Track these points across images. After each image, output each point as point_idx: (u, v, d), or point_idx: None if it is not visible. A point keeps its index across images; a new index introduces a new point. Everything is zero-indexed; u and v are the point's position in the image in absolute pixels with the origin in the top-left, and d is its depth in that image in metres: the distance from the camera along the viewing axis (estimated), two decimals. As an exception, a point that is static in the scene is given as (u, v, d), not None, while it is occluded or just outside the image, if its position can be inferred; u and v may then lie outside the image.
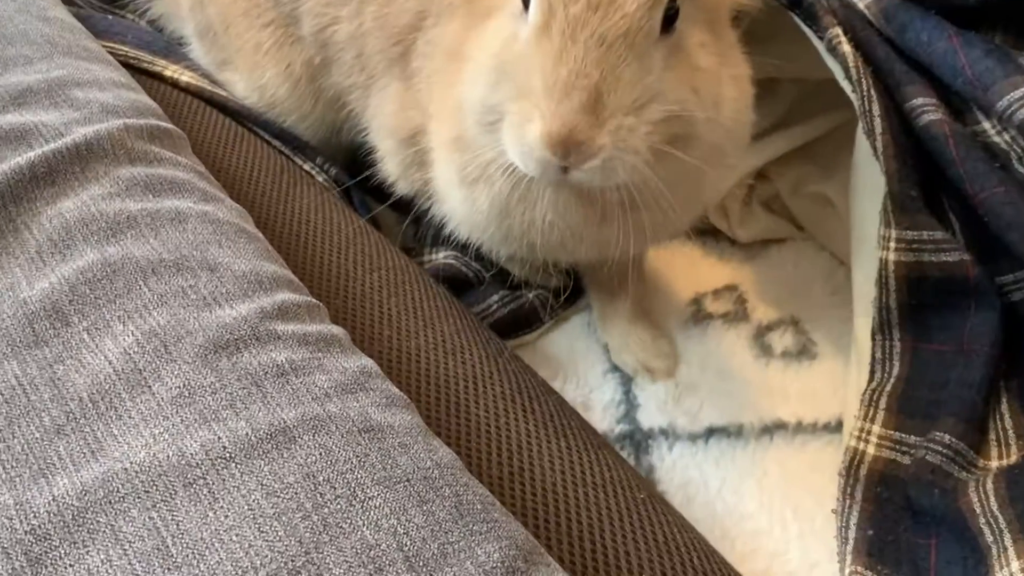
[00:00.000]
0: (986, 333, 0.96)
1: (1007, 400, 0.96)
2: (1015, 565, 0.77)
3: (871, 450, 0.94)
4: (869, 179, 1.02)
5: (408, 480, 0.58)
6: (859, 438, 0.95)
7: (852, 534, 0.88)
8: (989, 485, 0.84)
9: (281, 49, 1.13)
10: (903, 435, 0.94)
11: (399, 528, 0.55)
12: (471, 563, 0.54)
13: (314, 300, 0.75)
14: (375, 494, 0.57)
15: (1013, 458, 0.90)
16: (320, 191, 1.05)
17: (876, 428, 0.96)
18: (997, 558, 0.78)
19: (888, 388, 0.98)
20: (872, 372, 1.00)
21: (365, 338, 0.84)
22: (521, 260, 1.08)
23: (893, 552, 0.86)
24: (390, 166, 1.07)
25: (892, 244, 0.98)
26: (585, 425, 0.84)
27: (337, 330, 0.72)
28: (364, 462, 0.58)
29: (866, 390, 0.98)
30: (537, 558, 0.58)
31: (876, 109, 0.98)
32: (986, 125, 1.02)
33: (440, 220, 1.02)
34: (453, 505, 0.58)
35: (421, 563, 0.53)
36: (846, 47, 1.00)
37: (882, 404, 0.96)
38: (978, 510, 0.83)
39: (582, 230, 0.87)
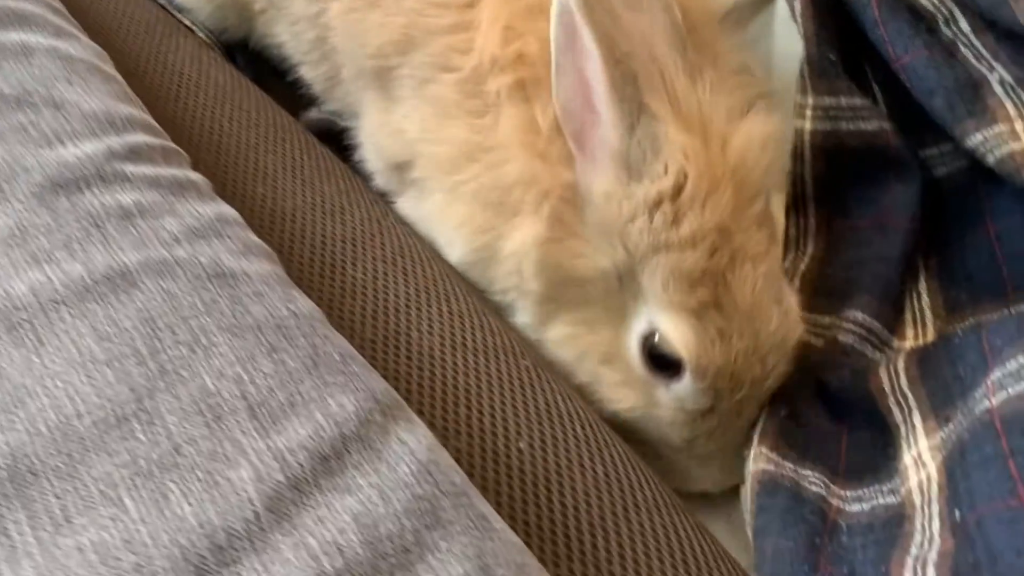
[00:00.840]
0: (906, 206, 0.92)
1: (925, 278, 0.92)
2: (923, 444, 0.73)
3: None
4: (788, 46, 0.96)
5: (259, 328, 0.54)
6: None
7: (763, 417, 0.84)
8: (900, 364, 0.80)
9: None
10: (816, 316, 0.89)
11: (244, 376, 0.51)
12: (321, 413, 0.51)
13: (175, 146, 0.69)
14: (221, 341, 0.53)
15: (930, 337, 0.86)
16: (199, 45, 0.97)
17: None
18: (905, 438, 0.75)
19: (802, 268, 0.94)
20: (785, 251, 0.96)
21: (236, 195, 0.78)
22: None
23: (802, 438, 0.82)
24: (379, 183, 0.94)
25: (808, 112, 0.93)
26: (472, 290, 0.78)
27: (196, 177, 0.66)
28: (211, 308, 0.55)
29: None
30: (399, 413, 0.54)
31: None
32: None
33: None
34: (308, 355, 0.54)
35: (265, 411, 0.50)
36: None
37: (795, 286, 0.92)
38: (887, 389, 0.79)
39: None
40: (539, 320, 0.79)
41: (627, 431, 0.76)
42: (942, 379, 0.76)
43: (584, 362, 0.78)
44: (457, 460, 0.58)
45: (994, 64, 0.91)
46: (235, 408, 0.49)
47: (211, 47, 1.00)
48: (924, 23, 0.92)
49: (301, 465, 0.48)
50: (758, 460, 0.77)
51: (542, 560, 0.56)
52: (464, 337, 0.71)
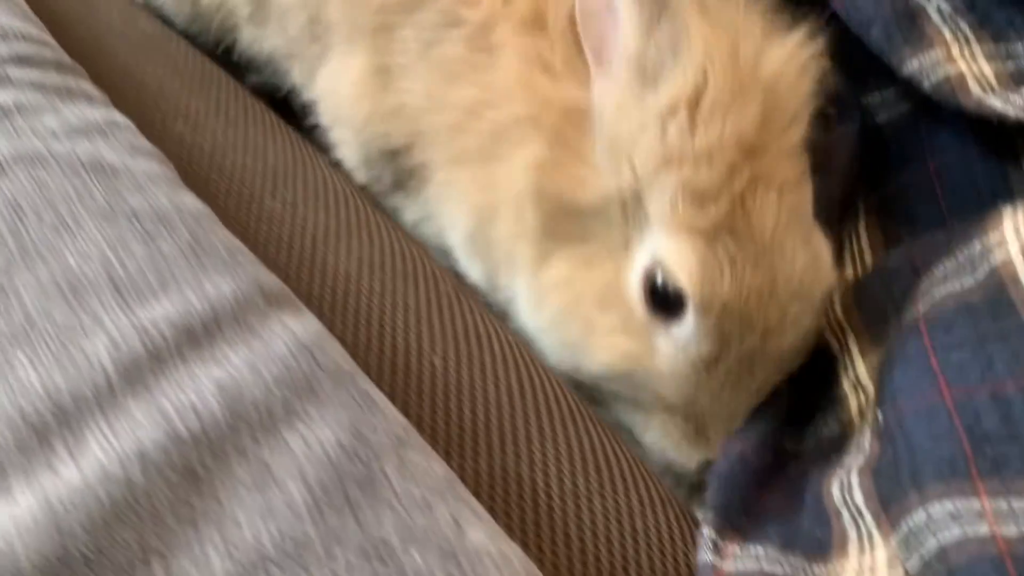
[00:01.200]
0: (846, 147, 0.91)
1: (865, 217, 0.91)
2: (860, 367, 0.71)
3: None
4: None
5: (136, 216, 0.53)
6: None
7: None
8: (836, 296, 0.78)
9: None
10: None
11: (113, 258, 0.50)
12: (194, 293, 0.50)
13: (72, 62, 0.68)
14: (91, 227, 0.52)
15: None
16: (135, 4, 0.96)
17: None
18: (843, 364, 0.73)
19: None
20: None
21: (154, 135, 0.75)
22: None
23: None
24: (346, 154, 0.86)
25: None
26: (395, 224, 0.77)
27: (90, 87, 0.65)
28: (83, 196, 0.53)
29: None
30: (285, 303, 0.53)
31: None
32: None
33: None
34: (187, 244, 0.53)
35: (131, 288, 0.49)
36: None
37: None
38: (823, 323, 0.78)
39: None
40: (535, 263, 0.69)
41: (614, 397, 0.69)
42: (877, 304, 0.74)
43: (579, 307, 0.67)
44: (366, 374, 0.56)
45: None
46: (98, 286, 0.48)
47: (146, 6, 0.99)
48: None
49: (164, 337, 0.46)
50: None
51: (447, 458, 0.54)
52: (384, 262, 0.70)
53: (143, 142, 0.62)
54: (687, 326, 0.63)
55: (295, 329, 0.50)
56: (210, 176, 0.73)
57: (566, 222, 0.68)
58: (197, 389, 0.44)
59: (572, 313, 0.68)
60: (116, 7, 0.91)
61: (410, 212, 0.80)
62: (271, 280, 0.53)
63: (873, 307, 0.74)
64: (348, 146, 0.84)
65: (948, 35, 0.86)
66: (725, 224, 0.62)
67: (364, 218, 0.75)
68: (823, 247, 0.69)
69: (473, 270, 0.75)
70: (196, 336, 0.47)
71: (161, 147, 0.73)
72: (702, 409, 0.66)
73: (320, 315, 0.63)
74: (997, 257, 0.65)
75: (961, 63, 0.85)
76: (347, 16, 0.79)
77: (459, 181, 0.73)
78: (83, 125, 0.59)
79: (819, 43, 0.72)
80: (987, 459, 0.52)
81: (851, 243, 0.88)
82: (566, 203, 0.67)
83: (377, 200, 0.83)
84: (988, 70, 0.84)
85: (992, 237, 0.67)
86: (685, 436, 0.67)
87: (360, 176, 0.85)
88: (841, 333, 0.75)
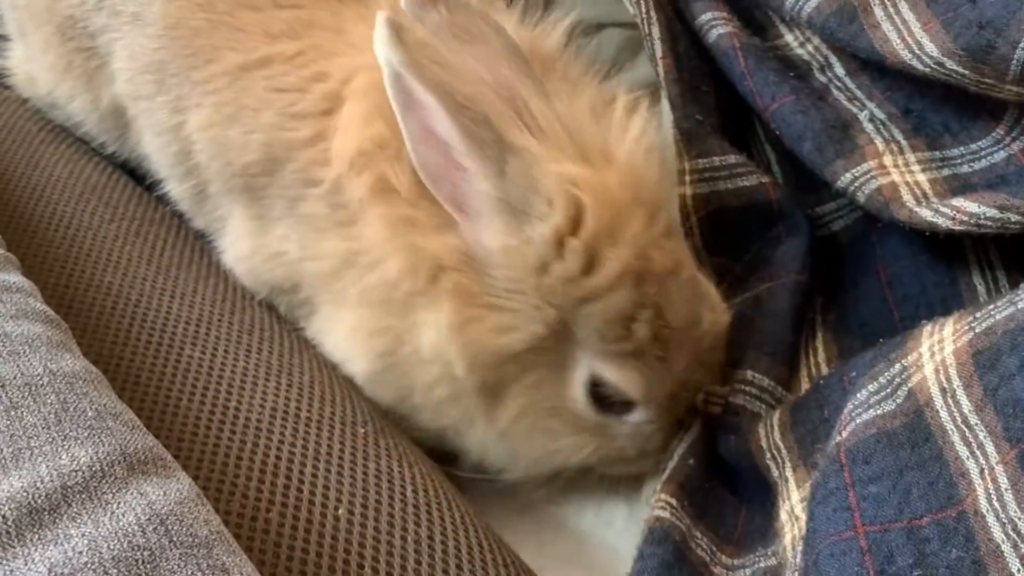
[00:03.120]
0: (793, 259, 0.89)
1: (822, 332, 0.89)
2: (795, 497, 0.68)
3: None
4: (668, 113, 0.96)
5: (2, 386, 0.53)
6: None
7: (672, 462, 0.80)
8: (775, 416, 0.76)
9: (91, 80, 0.92)
10: (712, 387, 0.86)
11: None
12: (47, 466, 0.49)
13: None
14: None
15: None
16: (80, 148, 0.98)
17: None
18: (781, 493, 0.70)
19: None
20: None
21: (82, 286, 0.77)
22: None
23: (703, 499, 0.78)
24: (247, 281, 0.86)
25: (687, 178, 0.91)
26: (326, 363, 0.76)
27: None
28: None
29: None
30: (151, 468, 0.52)
31: (656, 32, 0.92)
32: (789, 38, 0.95)
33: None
34: (53, 412, 0.52)
35: None
36: None
37: None
38: (764, 445, 0.75)
39: None
40: (485, 408, 0.72)
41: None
42: (811, 425, 0.72)
43: (539, 422, 0.73)
44: (265, 532, 0.55)
45: (867, 103, 0.89)
46: None
47: (96, 153, 1.00)
48: (795, 71, 0.92)
49: (5, 517, 0.45)
50: (656, 506, 0.72)
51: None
52: (299, 409, 0.69)
53: (35, 305, 0.62)
54: (638, 415, 0.73)
55: (154, 498, 0.48)
56: (132, 327, 0.73)
57: (503, 368, 0.70)
58: (27, 575, 0.43)
59: (535, 430, 0.73)
60: (63, 158, 0.93)
61: (309, 333, 0.81)
62: (142, 444, 0.53)
63: (807, 431, 0.71)
64: (247, 282, 0.85)
65: (880, 144, 0.85)
66: (649, 335, 0.68)
67: (287, 359, 0.74)
68: (712, 292, 0.77)
69: (381, 397, 0.76)
70: (39, 514, 0.46)
71: (87, 299, 0.75)
72: (648, 448, 0.77)
73: (224, 468, 0.62)
74: (914, 379, 0.63)
75: (894, 173, 0.83)
76: (215, 171, 0.82)
77: (345, 321, 0.75)
78: None
79: (648, 114, 0.75)
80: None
81: (807, 361, 0.86)
82: (500, 354, 0.69)
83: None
84: (923, 178, 0.83)
85: (910, 358, 0.65)
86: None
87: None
88: (779, 457, 0.72)
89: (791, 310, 0.86)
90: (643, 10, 0.92)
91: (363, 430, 0.68)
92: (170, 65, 0.81)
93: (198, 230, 0.90)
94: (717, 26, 0.93)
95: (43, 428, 0.51)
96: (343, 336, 0.76)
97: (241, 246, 0.83)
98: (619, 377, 0.70)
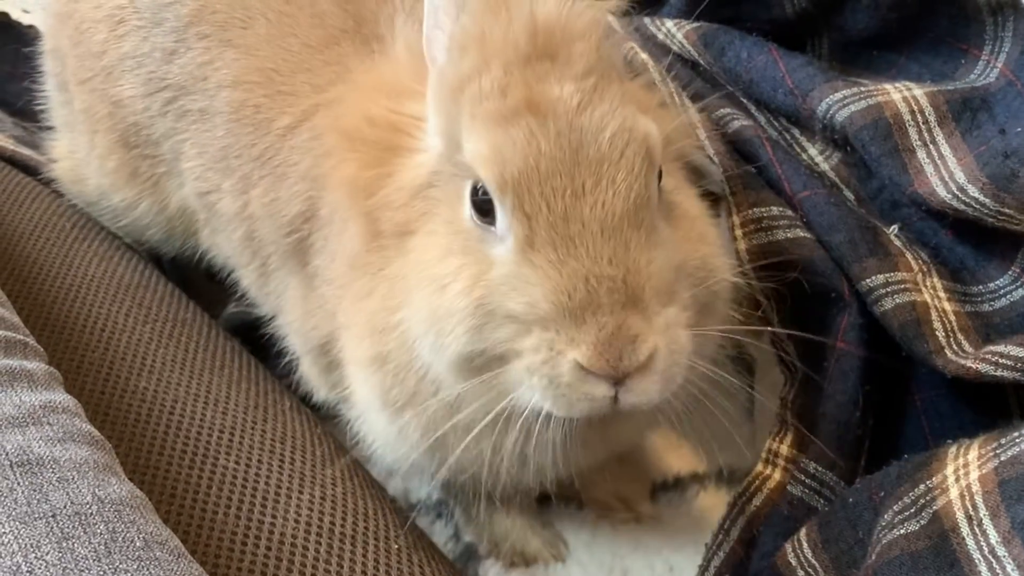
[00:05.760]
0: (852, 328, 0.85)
1: None
2: None
3: (777, 475, 0.82)
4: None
5: (54, 516, 0.54)
6: (766, 460, 0.83)
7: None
8: (803, 532, 0.76)
9: (157, 185, 0.95)
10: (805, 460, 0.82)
11: (23, 566, 0.51)
12: None
13: (23, 338, 0.69)
14: (7, 530, 0.53)
15: None
16: (116, 248, 0.99)
17: (784, 448, 0.82)
18: None
19: (790, 397, 0.85)
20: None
21: (117, 391, 0.78)
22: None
23: None
24: (305, 370, 0.87)
25: (739, 232, 0.87)
26: (358, 471, 0.77)
27: (35, 366, 0.66)
28: (5, 496, 0.54)
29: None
30: None
31: (695, 116, 0.94)
32: (812, 152, 0.97)
33: (359, 438, 0.80)
34: (103, 543, 0.53)
35: None
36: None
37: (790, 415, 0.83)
38: (794, 562, 0.74)
39: (580, 459, 0.74)
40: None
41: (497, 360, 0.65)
42: (844, 544, 0.72)
43: (443, 257, 0.67)
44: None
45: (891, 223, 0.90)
46: None
47: (129, 249, 1.02)
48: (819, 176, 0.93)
49: None
50: None
51: None
52: (333, 523, 0.69)
53: (81, 427, 0.62)
54: (499, 218, 0.63)
55: None
56: (167, 436, 0.74)
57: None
58: None
59: (439, 263, 0.67)
60: (96, 255, 0.95)
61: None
62: (188, 574, 0.53)
63: (840, 551, 0.71)
64: (303, 360, 0.86)
65: (911, 260, 0.84)
66: (523, 105, 0.63)
67: (318, 469, 0.75)
68: (631, 114, 0.65)
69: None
70: None
71: (123, 406, 0.75)
72: (555, 304, 0.62)
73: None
74: (939, 501, 0.63)
75: (926, 293, 0.82)
76: (271, 239, 0.84)
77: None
78: (17, 415, 0.60)
79: None
80: None
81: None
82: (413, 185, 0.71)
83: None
84: (949, 307, 0.82)
85: (936, 479, 0.65)
86: (560, 349, 0.62)
87: (320, 393, 0.86)
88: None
89: (855, 395, 0.82)
90: (679, 101, 0.94)
91: (396, 545, 0.69)
92: (234, 147, 0.84)
93: (263, 316, 0.92)
94: (737, 119, 0.94)
95: (94, 560, 0.51)
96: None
97: (294, 313, 0.84)
98: (475, 149, 0.64)
